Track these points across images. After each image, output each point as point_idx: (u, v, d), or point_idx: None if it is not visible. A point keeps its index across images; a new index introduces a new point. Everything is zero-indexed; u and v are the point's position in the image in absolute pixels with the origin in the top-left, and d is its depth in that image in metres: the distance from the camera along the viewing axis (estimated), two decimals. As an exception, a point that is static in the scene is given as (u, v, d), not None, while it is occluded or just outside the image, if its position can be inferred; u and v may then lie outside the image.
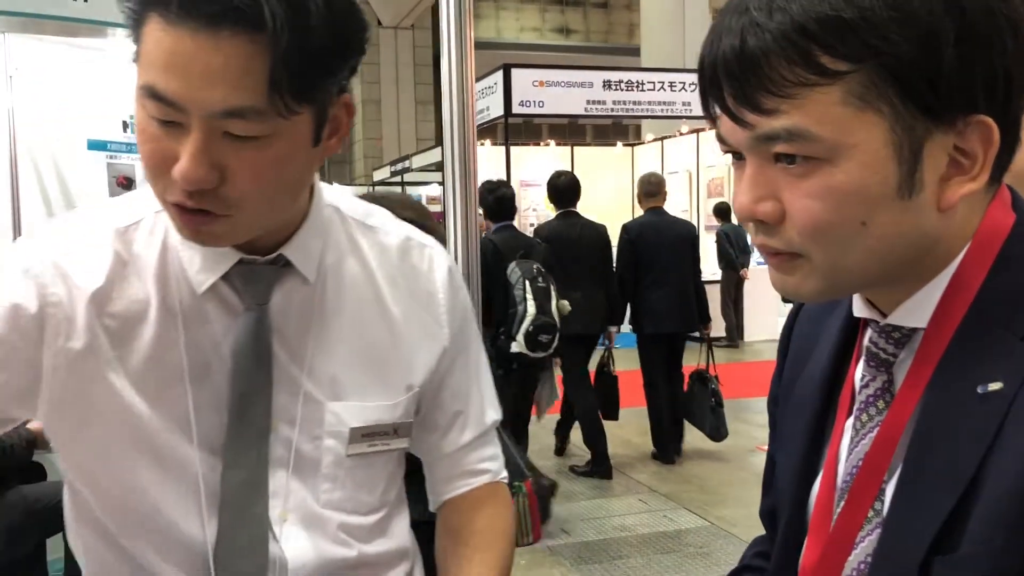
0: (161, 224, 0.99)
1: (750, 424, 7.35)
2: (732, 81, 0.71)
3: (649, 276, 5.95)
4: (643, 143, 14.47)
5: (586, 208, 15.26)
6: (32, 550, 3.21)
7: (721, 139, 0.76)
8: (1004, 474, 0.66)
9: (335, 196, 1.09)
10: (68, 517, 1.05)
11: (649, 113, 11.96)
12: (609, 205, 14.35)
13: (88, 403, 0.95)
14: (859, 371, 0.82)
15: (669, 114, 11.88)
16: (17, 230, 4.13)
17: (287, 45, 0.80)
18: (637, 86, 11.54)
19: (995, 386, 0.69)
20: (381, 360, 1.06)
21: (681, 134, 12.96)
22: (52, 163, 4.43)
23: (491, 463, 1.19)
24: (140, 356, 0.96)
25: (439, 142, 16.23)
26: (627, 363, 11.14)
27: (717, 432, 5.73)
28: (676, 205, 13.17)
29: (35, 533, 3.26)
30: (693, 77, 12.21)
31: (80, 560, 1.05)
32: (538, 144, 15.47)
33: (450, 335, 1.12)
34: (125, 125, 4.73)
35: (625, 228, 6.13)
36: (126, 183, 4.66)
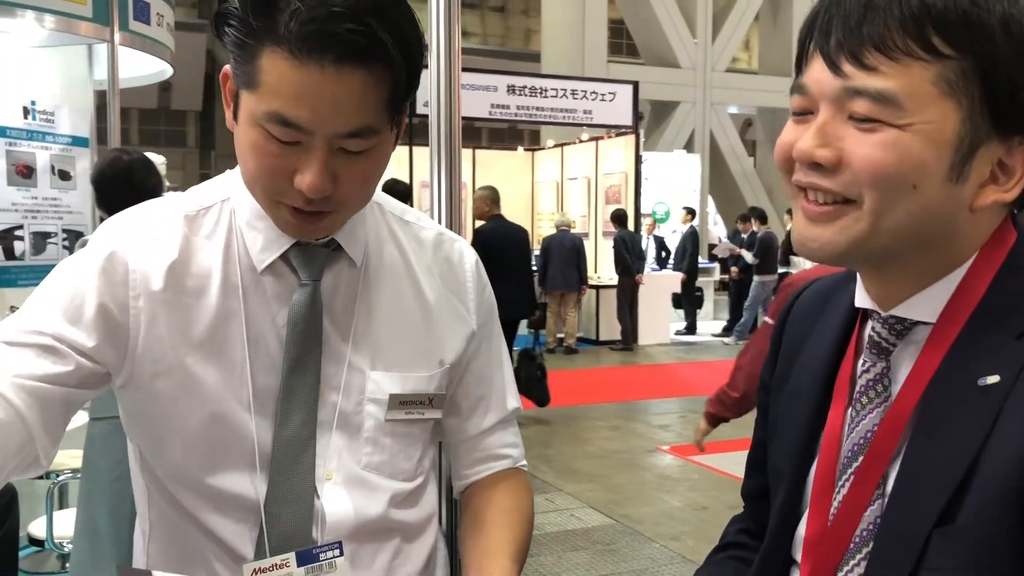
0: (227, 211, 1.11)
1: (648, 425, 7.57)
2: (847, 29, 0.78)
3: (498, 272, 6.46)
4: (544, 148, 14.67)
5: (487, 210, 15.04)
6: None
7: (800, 89, 0.82)
8: (999, 457, 0.75)
9: (377, 194, 1.19)
10: (133, 472, 1.15)
11: (551, 119, 12.16)
12: (510, 208, 14.49)
13: (156, 365, 1.04)
14: (861, 358, 0.90)
15: (571, 121, 12.11)
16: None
17: (401, 74, 0.94)
18: (540, 92, 11.72)
19: (993, 379, 0.77)
20: (417, 337, 1.16)
21: (581, 141, 13.20)
22: (-53, 147, 4.21)
23: (512, 449, 1.27)
24: (204, 324, 1.05)
25: (403, 140, 16.28)
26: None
27: (542, 397, 6.98)
28: (575, 211, 13.42)
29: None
30: (595, 85, 12.57)
31: (142, 514, 1.14)
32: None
33: (477, 322, 1.22)
34: (26, 111, 4.53)
35: (477, 232, 7.58)
36: (26, 172, 4.46)
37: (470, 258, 1.25)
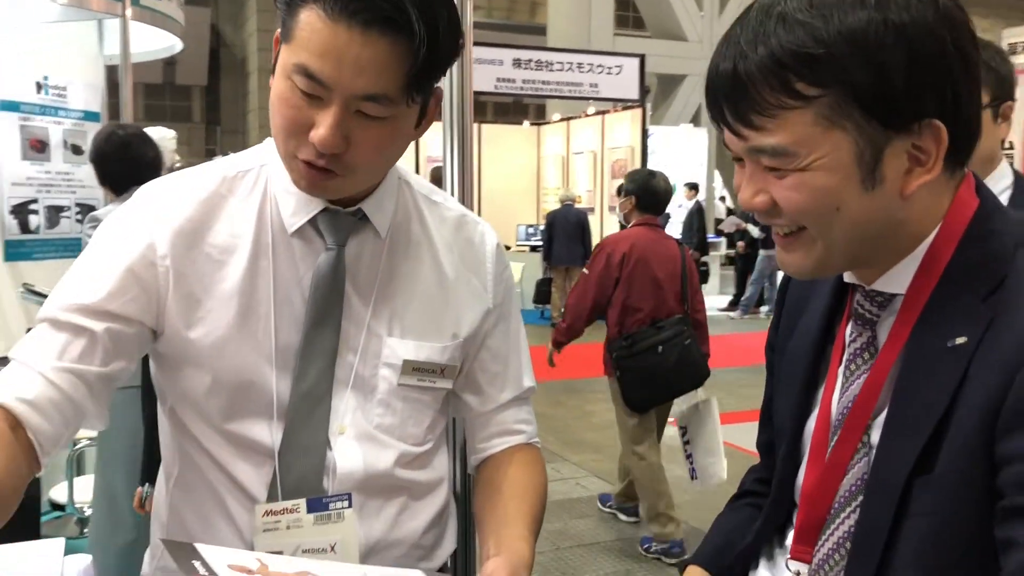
0: (264, 175, 1.17)
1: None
2: (728, 101, 0.87)
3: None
4: (550, 123, 14.67)
5: (492, 185, 15.40)
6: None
7: (726, 145, 0.93)
8: (969, 410, 0.82)
9: (405, 172, 1.27)
10: (161, 420, 1.22)
11: (557, 93, 12.15)
12: (515, 183, 14.54)
13: (185, 318, 1.11)
14: (848, 329, 0.98)
15: (577, 95, 12.09)
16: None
17: (423, 51, 0.99)
18: (546, 65, 11.70)
19: (961, 340, 0.84)
20: (434, 309, 1.21)
21: (587, 115, 13.19)
22: (-39, 122, 4.26)
23: (526, 426, 1.32)
24: (234, 280, 1.12)
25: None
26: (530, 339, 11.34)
27: None
28: (581, 185, 13.45)
29: None
30: (600, 59, 12.55)
31: (167, 458, 1.22)
32: (441, 120, 15.47)
33: (493, 300, 1.28)
34: (39, 86, 4.58)
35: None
36: (39, 146, 4.52)
37: (491, 240, 1.31)
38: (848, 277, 0.98)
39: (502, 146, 14.57)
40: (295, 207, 1.15)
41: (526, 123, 15.46)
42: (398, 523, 1.19)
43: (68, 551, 1.19)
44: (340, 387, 1.15)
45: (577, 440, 6.30)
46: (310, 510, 1.10)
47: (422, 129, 1.13)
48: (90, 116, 4.88)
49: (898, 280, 0.92)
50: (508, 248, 13.89)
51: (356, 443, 1.16)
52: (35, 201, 4.46)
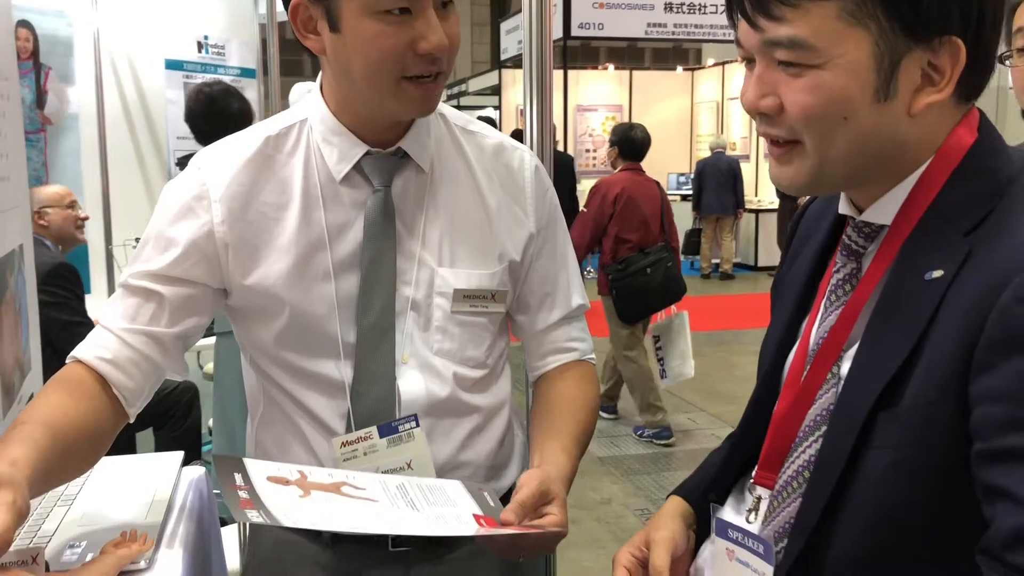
0: (305, 130, 1.24)
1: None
2: None
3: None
4: (703, 68, 14.27)
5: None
6: (123, 443, 3.49)
7: (739, 42, 0.90)
8: (938, 345, 0.80)
9: (442, 107, 1.30)
10: (244, 367, 1.33)
11: (711, 37, 11.77)
12: (666, 130, 14.26)
13: (248, 275, 1.19)
14: (836, 260, 0.97)
15: (731, 38, 11.67)
16: (103, 142, 4.35)
17: None
18: (699, 9, 11.35)
19: (937, 274, 0.82)
20: (479, 237, 1.27)
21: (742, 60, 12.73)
22: (132, 79, 4.63)
23: (578, 343, 1.36)
24: (290, 232, 1.20)
25: (495, 65, 15.80)
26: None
27: None
28: (736, 132, 13.06)
29: (129, 426, 3.54)
30: (757, 0, 11.99)
31: (252, 400, 1.32)
32: (596, 68, 15.32)
33: (536, 224, 1.31)
34: (200, 46, 4.90)
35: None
36: (201, 102, 4.85)
37: (530, 164, 1.33)
38: (843, 208, 0.97)
39: (654, 93, 14.30)
40: (339, 156, 1.21)
41: (679, 68, 15.08)
42: (465, 445, 1.26)
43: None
44: (400, 319, 1.22)
45: (716, 391, 6.24)
46: (382, 435, 1.18)
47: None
48: (246, 72, 5.18)
49: (886, 210, 0.90)
50: (659, 197, 13.70)
51: (418, 372, 1.22)
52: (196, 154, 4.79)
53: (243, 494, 0.96)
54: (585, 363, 1.37)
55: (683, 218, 12.19)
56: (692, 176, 11.88)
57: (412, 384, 1.22)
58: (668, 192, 13.16)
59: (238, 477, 0.99)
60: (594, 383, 1.36)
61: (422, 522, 1.04)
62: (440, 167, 1.27)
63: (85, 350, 1.16)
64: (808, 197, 1.12)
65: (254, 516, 0.93)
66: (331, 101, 1.22)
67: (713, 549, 1.00)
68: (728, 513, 1.02)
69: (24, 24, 4.01)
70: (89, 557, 1.02)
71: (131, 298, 1.18)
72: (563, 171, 6.95)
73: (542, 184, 1.34)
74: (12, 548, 1.05)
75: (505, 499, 1.14)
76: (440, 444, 1.23)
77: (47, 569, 0.97)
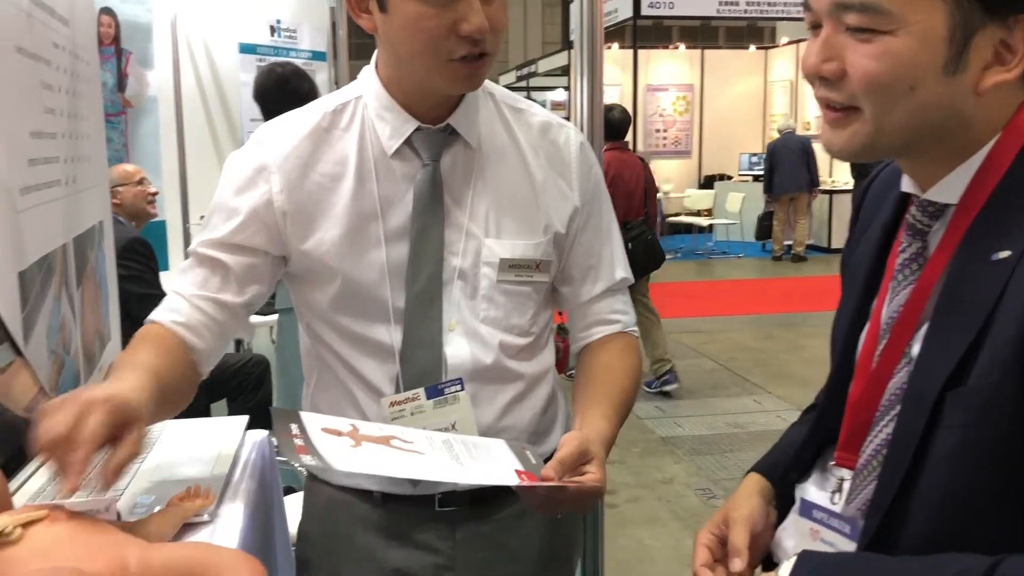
0: (360, 106, 1.30)
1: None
2: None
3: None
4: (777, 46, 13.99)
5: (715, 114, 14.97)
6: (199, 413, 3.63)
7: (807, 5, 0.90)
8: (1004, 325, 0.80)
9: (491, 85, 1.36)
10: (301, 335, 1.39)
11: (785, 15, 11.53)
12: (738, 110, 14.05)
13: (304, 243, 1.26)
14: (901, 239, 0.96)
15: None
16: (180, 123, 4.50)
17: None
18: (773, -14, 11.12)
19: (1004, 254, 0.82)
20: (525, 209, 1.31)
21: (818, 36, 12.44)
22: (208, 63, 4.77)
23: (621, 315, 1.40)
24: (344, 202, 1.26)
25: (566, 46, 15.73)
26: (733, 271, 11.06)
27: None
28: (810, 111, 12.79)
29: (204, 398, 3.70)
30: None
31: (307, 366, 1.40)
32: (667, 47, 15.14)
33: (580, 199, 1.36)
34: (272, 30, 5.02)
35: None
36: (273, 84, 4.96)
37: (575, 140, 1.37)
38: (905, 186, 0.96)
39: (726, 72, 14.08)
40: (391, 131, 1.27)
41: (752, 47, 14.81)
42: (508, 411, 1.31)
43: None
44: (447, 287, 1.27)
45: (784, 373, 6.17)
46: (428, 396, 1.24)
47: None
48: (317, 56, 5.29)
49: (951, 190, 0.89)
50: (730, 178, 13.54)
51: (464, 338, 1.28)
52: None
53: (298, 441, 1.01)
54: (628, 335, 1.41)
55: (755, 199, 12.06)
56: (764, 156, 11.69)
57: (458, 350, 1.27)
58: (740, 172, 13.12)
59: (294, 427, 1.05)
60: (635, 354, 1.39)
61: (465, 472, 1.08)
62: (488, 143, 1.31)
63: (160, 314, 1.24)
64: (872, 173, 1.12)
65: (308, 460, 0.98)
66: (384, 77, 1.28)
67: (796, 528, 1.01)
68: (812, 491, 1.03)
69: (107, 11, 4.16)
70: (156, 509, 1.09)
71: (200, 267, 1.27)
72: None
73: (587, 160, 1.38)
74: (87, 498, 1.13)
75: (547, 462, 1.17)
76: (483, 409, 1.28)
77: (119, 518, 1.04)
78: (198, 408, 3.65)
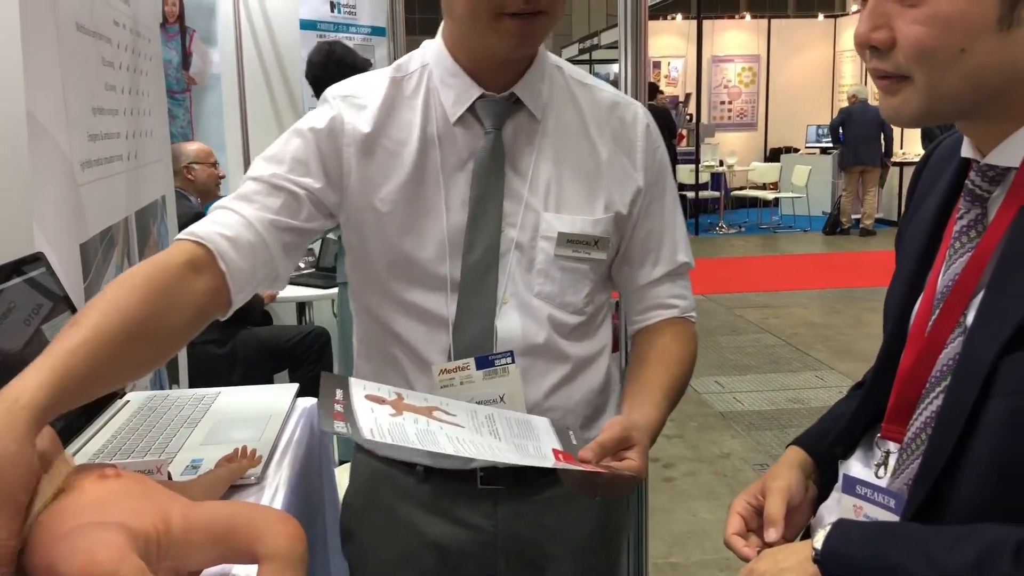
0: (425, 74, 1.30)
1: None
2: None
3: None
4: (847, 15, 13.60)
5: (782, 85, 14.62)
6: (263, 382, 3.73)
7: None
8: None
9: (559, 60, 1.36)
10: (352, 303, 1.38)
11: (855, -19, 11.19)
12: (806, 81, 13.73)
13: (367, 199, 1.26)
14: (960, 206, 0.93)
15: (877, -19, 11.07)
16: (243, 100, 4.58)
17: None
18: (843, -49, 10.80)
19: None
20: (587, 185, 1.29)
21: (890, 3, 12.06)
22: (269, 40, 4.83)
23: (680, 300, 1.37)
24: (407, 167, 1.26)
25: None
26: (799, 245, 10.84)
27: None
28: (880, 81, 12.44)
29: (267, 368, 3.80)
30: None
31: (357, 335, 1.38)
32: (732, 17, 14.84)
33: (644, 179, 1.33)
34: (332, 5, 5.06)
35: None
36: (334, 60, 5.02)
37: (643, 120, 1.35)
38: (965, 151, 0.93)
39: (793, 42, 13.76)
40: (455, 98, 1.26)
41: (820, 16, 14.42)
42: (555, 390, 1.29)
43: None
44: (504, 259, 1.26)
45: (847, 349, 6.07)
46: (479, 367, 1.24)
47: None
48: (377, 31, 5.32)
49: (1012, 153, 0.86)
50: (796, 150, 13.26)
51: (516, 312, 1.26)
52: (329, 110, 4.98)
53: (338, 407, 1.03)
54: (685, 320, 1.38)
55: (822, 171, 11.80)
56: (829, 128, 11.41)
57: (510, 323, 1.26)
58: (807, 145, 12.84)
59: (339, 392, 1.06)
60: (692, 340, 1.36)
61: (501, 449, 1.08)
62: (553, 115, 1.30)
63: (203, 226, 1.16)
64: (934, 143, 1.09)
65: (340, 427, 0.99)
66: (449, 44, 1.28)
67: (839, 505, 1.00)
68: (856, 467, 1.01)
69: (171, -11, 4.25)
70: (205, 470, 1.14)
71: (258, 185, 1.22)
72: (660, 122, 7.37)
73: (653, 141, 1.35)
74: (136, 460, 1.18)
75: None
76: (532, 386, 1.27)
77: (169, 478, 1.09)
78: (262, 378, 3.77)
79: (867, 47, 0.87)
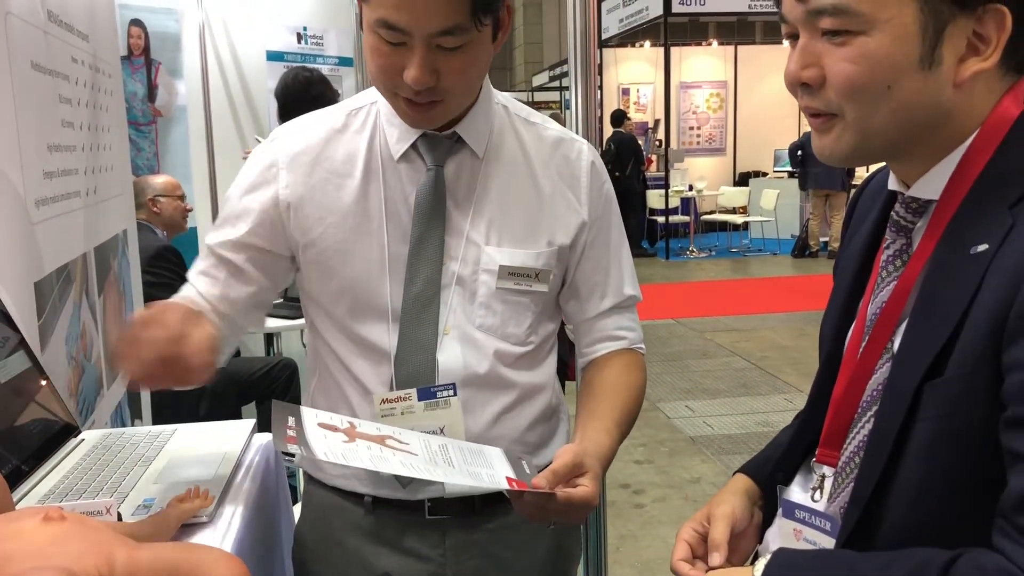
0: (374, 110, 1.34)
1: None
2: None
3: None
4: (812, 40, 13.82)
5: (749, 111, 14.84)
6: (230, 414, 3.70)
7: (783, 18, 0.92)
8: (980, 317, 0.80)
9: (505, 97, 1.39)
10: (306, 335, 1.44)
11: (818, 8, 11.40)
12: (773, 105, 13.93)
13: (307, 236, 1.30)
14: (886, 236, 0.97)
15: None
16: (209, 132, 4.58)
17: None
18: (805, -20, 11.02)
19: (982, 247, 0.82)
20: (528, 220, 1.32)
21: (853, 30, 12.28)
22: (236, 71, 4.84)
23: (628, 332, 1.40)
24: (349, 199, 1.30)
25: (601, 44, 15.73)
26: (768, 268, 10.95)
27: None
28: (845, 106, 12.63)
29: (234, 399, 3.77)
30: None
31: (310, 367, 1.43)
32: (700, 44, 15.04)
33: (589, 214, 1.36)
34: (299, 37, 5.09)
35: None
36: (301, 91, 5.04)
37: (587, 157, 1.38)
38: (892, 184, 0.97)
39: (759, 68, 13.96)
40: (399, 135, 1.30)
41: (785, 43, 14.62)
42: (500, 420, 1.31)
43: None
44: (445, 291, 1.29)
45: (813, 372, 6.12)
46: (420, 398, 1.25)
47: (499, 41, 1.23)
48: (344, 61, 5.35)
49: (933, 186, 0.90)
50: (764, 174, 13.41)
51: (458, 344, 1.28)
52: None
53: (291, 432, 1.04)
54: (633, 352, 1.40)
55: (791, 195, 11.93)
56: (788, 151, 11.58)
57: (451, 355, 1.28)
58: (775, 169, 12.99)
59: (291, 419, 1.07)
60: (641, 371, 1.39)
61: (454, 475, 1.10)
62: (496, 153, 1.33)
63: (179, 299, 1.31)
64: (867, 177, 1.12)
65: (294, 448, 1.01)
66: None
67: (781, 530, 1.02)
68: (795, 492, 1.03)
69: (137, 23, 4.25)
70: (157, 510, 1.13)
71: (208, 261, 1.34)
72: (627, 149, 7.98)
73: (599, 176, 1.39)
74: (85, 501, 1.17)
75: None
76: (475, 415, 1.29)
77: (119, 519, 1.08)
78: (228, 410, 3.74)
79: (798, 85, 0.91)
